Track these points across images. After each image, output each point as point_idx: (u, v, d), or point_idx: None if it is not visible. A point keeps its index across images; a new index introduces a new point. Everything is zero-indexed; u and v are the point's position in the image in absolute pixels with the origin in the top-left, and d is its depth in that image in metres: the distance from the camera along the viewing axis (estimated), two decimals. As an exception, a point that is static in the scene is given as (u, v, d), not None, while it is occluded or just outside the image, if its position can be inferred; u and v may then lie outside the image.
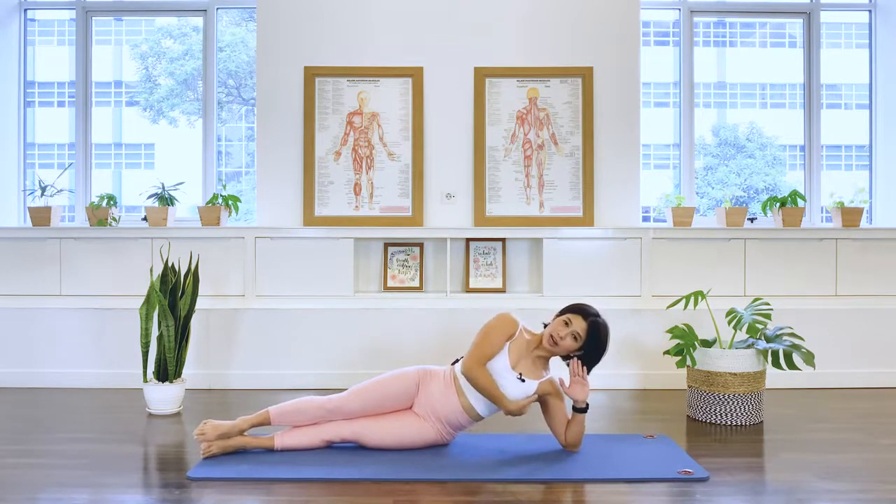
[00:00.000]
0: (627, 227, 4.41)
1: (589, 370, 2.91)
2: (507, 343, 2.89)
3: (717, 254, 4.35)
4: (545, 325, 2.96)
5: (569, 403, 2.93)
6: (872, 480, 2.64)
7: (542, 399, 2.91)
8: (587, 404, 2.87)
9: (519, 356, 2.89)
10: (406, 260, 4.48)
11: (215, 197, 4.45)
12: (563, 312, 2.92)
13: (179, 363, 3.69)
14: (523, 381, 2.85)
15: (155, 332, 3.78)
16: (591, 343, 2.87)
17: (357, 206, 4.49)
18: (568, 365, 2.97)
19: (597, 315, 2.90)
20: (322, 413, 2.88)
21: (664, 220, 4.69)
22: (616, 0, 4.55)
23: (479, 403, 2.87)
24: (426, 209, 4.52)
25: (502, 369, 2.85)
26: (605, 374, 4.10)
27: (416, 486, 2.54)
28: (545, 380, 2.90)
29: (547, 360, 2.95)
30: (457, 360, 2.98)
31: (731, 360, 3.42)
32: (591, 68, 4.52)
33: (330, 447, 2.91)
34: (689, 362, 3.49)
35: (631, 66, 4.56)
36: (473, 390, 2.86)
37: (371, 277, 4.50)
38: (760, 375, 3.47)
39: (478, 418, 2.92)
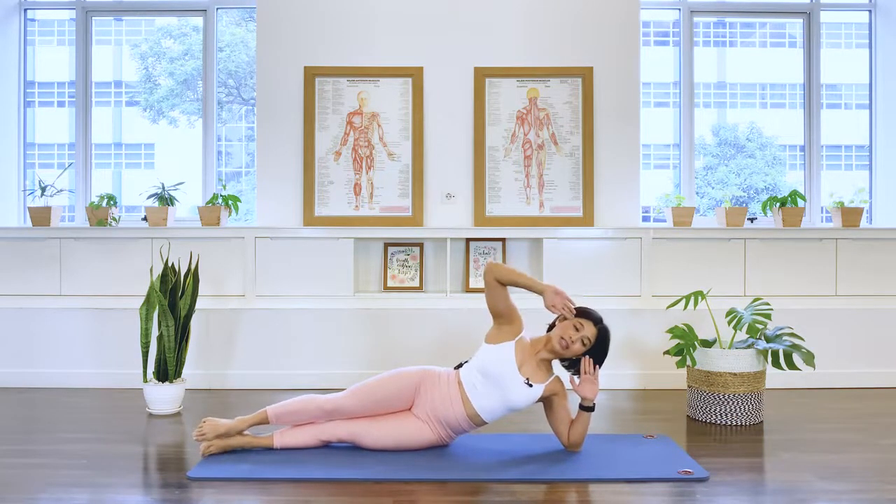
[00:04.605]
0: (627, 227, 4.41)
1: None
2: (514, 341, 2.89)
3: (717, 254, 4.35)
4: (549, 327, 2.96)
5: (574, 402, 2.94)
6: (872, 480, 2.64)
7: (546, 399, 2.91)
8: (594, 403, 2.88)
9: (523, 358, 2.88)
10: (406, 260, 4.48)
11: (215, 197, 4.45)
12: (564, 317, 2.91)
13: (179, 363, 3.69)
14: (531, 385, 2.84)
15: (155, 332, 3.78)
16: (597, 349, 2.90)
17: (357, 206, 4.49)
18: (566, 368, 2.98)
19: (602, 320, 2.93)
20: (320, 413, 2.88)
21: (664, 220, 4.69)
22: (616, 0, 4.56)
23: (484, 412, 2.86)
24: (426, 209, 4.52)
25: (511, 373, 2.83)
26: (605, 374, 4.08)
27: (417, 486, 2.54)
28: (551, 380, 2.90)
29: (550, 362, 2.94)
30: (460, 365, 2.97)
31: (731, 360, 3.42)
32: (591, 68, 4.52)
33: (329, 447, 2.91)
34: (689, 362, 3.49)
35: (631, 66, 4.56)
36: (480, 399, 2.84)
37: (371, 277, 4.51)
38: (760, 375, 3.47)
39: (482, 424, 2.92)
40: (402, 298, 4.30)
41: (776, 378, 3.92)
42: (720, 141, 5.19)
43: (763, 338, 3.53)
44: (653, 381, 4.21)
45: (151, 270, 3.73)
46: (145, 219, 4.51)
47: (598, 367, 2.90)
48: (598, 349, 2.90)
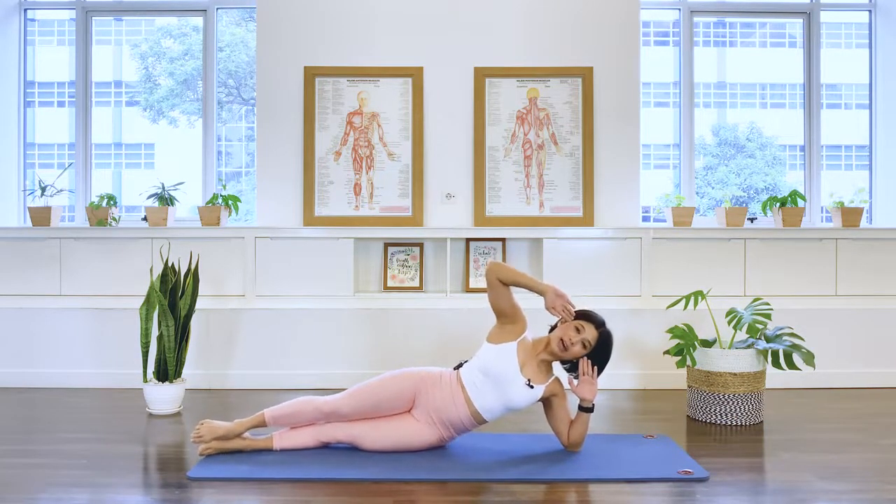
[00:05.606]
0: (627, 227, 4.41)
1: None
2: (516, 342, 2.88)
3: (717, 254, 4.35)
4: (551, 329, 2.96)
5: (574, 403, 2.94)
6: (872, 480, 2.64)
7: (545, 399, 2.90)
8: (593, 404, 2.87)
9: (525, 359, 2.88)
10: (406, 260, 4.48)
11: (215, 197, 4.45)
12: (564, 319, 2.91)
13: (179, 363, 3.69)
14: (532, 387, 2.84)
15: (155, 332, 3.78)
16: (599, 352, 2.89)
17: (357, 206, 4.50)
18: (567, 370, 2.97)
19: (604, 324, 2.92)
20: (318, 415, 2.87)
21: (664, 220, 4.69)
22: (616, 0, 4.56)
23: (485, 411, 2.85)
24: (426, 209, 4.52)
25: (513, 374, 2.83)
26: (606, 374, 4.05)
27: (417, 486, 2.54)
28: (551, 381, 2.90)
29: (550, 364, 2.94)
30: (460, 365, 2.96)
31: (731, 360, 3.42)
32: (591, 68, 4.52)
33: (329, 447, 2.91)
34: (689, 362, 3.49)
35: (631, 66, 4.56)
36: (481, 397, 2.83)
37: (371, 277, 4.51)
38: (760, 375, 3.47)
39: (483, 422, 2.91)
40: (402, 298, 4.30)
41: (776, 378, 3.92)
42: (720, 141, 5.19)
43: (763, 338, 3.53)
44: (653, 381, 4.21)
45: (151, 270, 3.73)
46: (145, 219, 4.51)
47: (597, 369, 2.90)
48: (600, 353, 2.89)
